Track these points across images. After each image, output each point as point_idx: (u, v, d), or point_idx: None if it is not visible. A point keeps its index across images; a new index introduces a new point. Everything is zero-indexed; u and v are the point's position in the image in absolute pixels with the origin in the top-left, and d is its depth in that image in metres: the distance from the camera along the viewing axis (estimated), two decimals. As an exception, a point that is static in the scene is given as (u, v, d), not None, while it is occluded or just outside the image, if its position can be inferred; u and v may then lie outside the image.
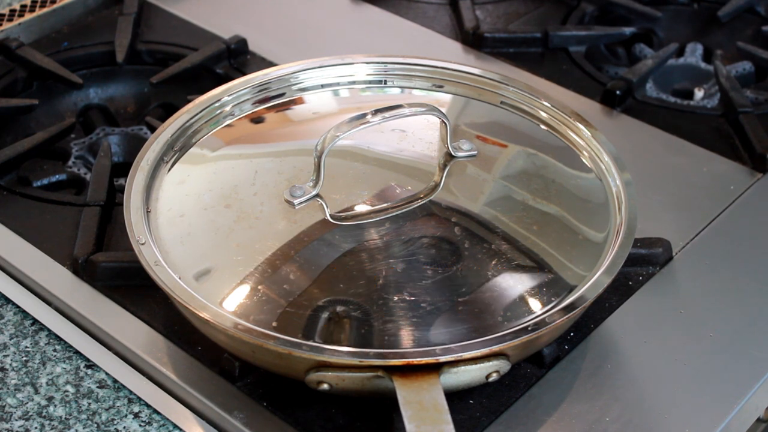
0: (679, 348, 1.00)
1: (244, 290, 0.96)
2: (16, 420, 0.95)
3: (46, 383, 0.99)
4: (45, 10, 1.48)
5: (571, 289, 0.96)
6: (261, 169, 1.07)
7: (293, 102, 1.18)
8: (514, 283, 0.98)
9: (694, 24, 1.57)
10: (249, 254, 0.99)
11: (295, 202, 1.01)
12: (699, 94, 1.42)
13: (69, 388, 0.98)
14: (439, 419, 0.81)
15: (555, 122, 1.13)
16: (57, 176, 1.24)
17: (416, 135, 1.11)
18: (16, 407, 0.96)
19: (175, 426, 0.95)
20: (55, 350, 1.02)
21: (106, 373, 1.00)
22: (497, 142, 1.16)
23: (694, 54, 1.49)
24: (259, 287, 0.96)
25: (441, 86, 1.19)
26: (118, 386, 0.99)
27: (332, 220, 1.00)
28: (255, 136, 1.15)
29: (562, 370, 0.98)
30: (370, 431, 0.92)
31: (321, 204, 1.01)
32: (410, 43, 1.45)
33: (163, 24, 1.49)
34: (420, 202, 1.02)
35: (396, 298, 0.94)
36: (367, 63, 1.20)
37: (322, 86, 1.19)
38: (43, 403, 0.97)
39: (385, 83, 1.19)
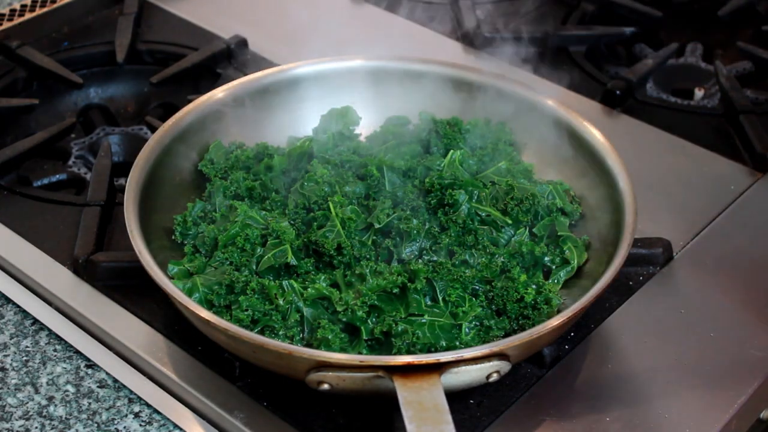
0: (679, 348, 1.00)
1: (245, 290, 0.96)
2: (17, 420, 0.95)
3: (47, 383, 0.99)
4: (45, 10, 1.48)
5: (571, 289, 0.96)
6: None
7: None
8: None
9: (694, 24, 1.57)
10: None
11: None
12: (699, 94, 1.42)
13: (69, 387, 0.98)
14: (439, 419, 0.81)
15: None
16: (57, 176, 1.24)
17: None
18: (16, 407, 0.96)
19: (176, 426, 0.95)
20: (55, 350, 1.02)
21: (107, 373, 1.00)
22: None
23: (694, 54, 1.49)
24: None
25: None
26: (118, 386, 0.99)
27: None
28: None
29: (562, 370, 0.98)
30: (370, 431, 0.92)
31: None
32: (410, 43, 1.45)
33: (163, 24, 1.49)
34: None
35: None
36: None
37: None
38: (44, 402, 0.97)
39: None
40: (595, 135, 1.09)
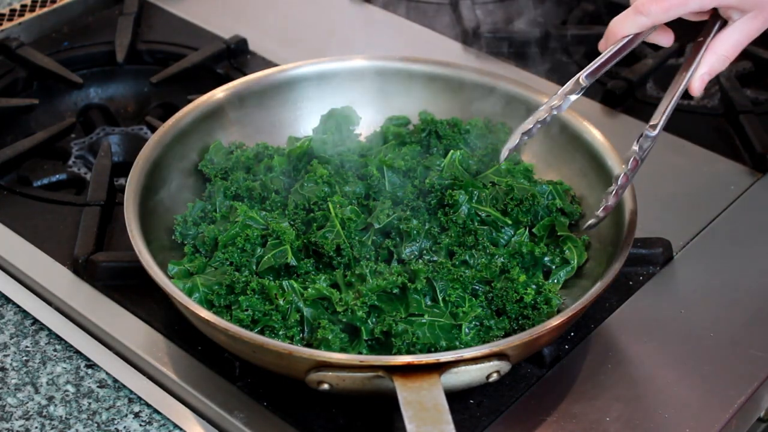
0: (679, 348, 1.00)
1: (245, 290, 0.96)
2: (17, 419, 0.95)
3: (47, 383, 0.99)
4: (45, 9, 1.48)
5: (571, 289, 0.96)
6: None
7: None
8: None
9: (693, 24, 1.56)
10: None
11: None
12: (698, 97, 1.41)
13: (69, 387, 0.98)
14: (439, 419, 0.81)
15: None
16: (57, 176, 1.24)
17: None
18: (16, 407, 0.96)
19: (176, 426, 0.95)
20: (55, 350, 1.02)
21: (107, 373, 1.00)
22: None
23: (694, 54, 1.49)
24: (260, 287, 0.96)
25: None
26: (118, 386, 0.99)
27: None
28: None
29: (562, 370, 0.98)
30: (370, 431, 0.92)
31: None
32: (410, 43, 1.45)
33: (163, 24, 1.49)
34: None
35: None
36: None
37: None
38: (44, 402, 0.97)
39: None
40: (595, 135, 1.09)
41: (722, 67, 1.00)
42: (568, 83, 1.03)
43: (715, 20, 1.00)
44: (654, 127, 1.00)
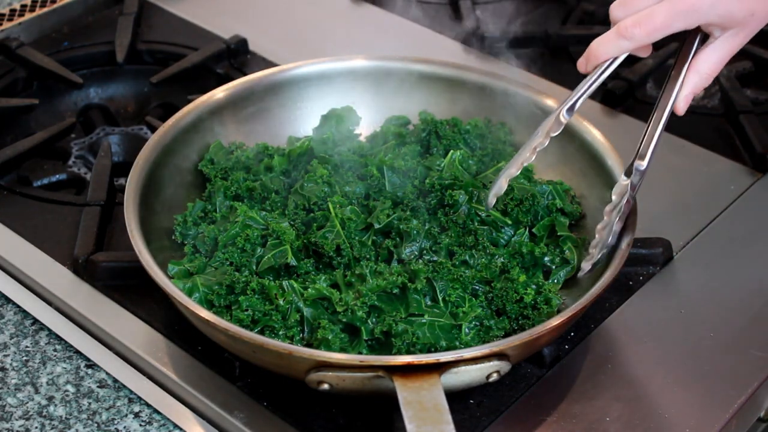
0: (679, 348, 1.00)
1: (245, 290, 0.96)
2: (17, 419, 0.95)
3: (47, 383, 0.99)
4: (45, 9, 1.48)
5: (571, 289, 0.96)
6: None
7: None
8: (514, 283, 0.98)
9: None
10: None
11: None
12: (699, 94, 1.41)
13: (69, 387, 0.98)
14: (439, 419, 0.81)
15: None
16: (57, 176, 1.24)
17: None
18: (16, 407, 0.96)
19: (176, 426, 0.95)
20: (55, 350, 1.02)
21: (107, 373, 1.00)
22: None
23: (694, 54, 1.49)
24: (260, 287, 0.96)
25: None
26: (118, 386, 0.99)
27: None
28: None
29: (562, 370, 0.98)
30: (370, 431, 0.92)
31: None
32: (410, 43, 1.45)
33: (163, 24, 1.49)
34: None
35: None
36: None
37: None
38: (44, 402, 0.97)
39: None
40: (595, 135, 1.09)
41: (706, 85, 1.00)
42: (548, 120, 1.01)
43: (696, 34, 0.99)
44: (643, 157, 0.98)
